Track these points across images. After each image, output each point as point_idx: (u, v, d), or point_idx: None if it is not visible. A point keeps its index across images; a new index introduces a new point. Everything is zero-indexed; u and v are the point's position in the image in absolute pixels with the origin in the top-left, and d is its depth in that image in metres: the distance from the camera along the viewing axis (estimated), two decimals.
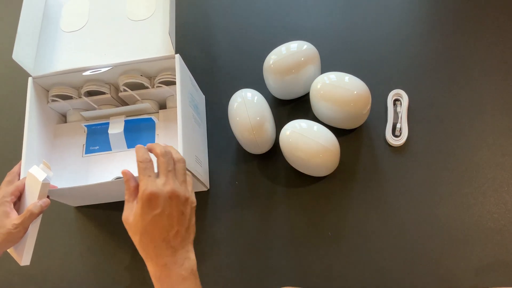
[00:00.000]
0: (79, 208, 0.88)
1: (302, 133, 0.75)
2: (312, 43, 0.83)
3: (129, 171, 0.54)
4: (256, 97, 0.80)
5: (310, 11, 0.99)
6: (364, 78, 0.79)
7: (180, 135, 0.71)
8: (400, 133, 0.82)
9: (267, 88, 0.88)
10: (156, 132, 0.83)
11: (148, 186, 0.50)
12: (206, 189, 0.85)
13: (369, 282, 0.73)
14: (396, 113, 0.84)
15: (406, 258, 0.74)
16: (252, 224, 0.81)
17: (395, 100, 0.85)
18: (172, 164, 0.54)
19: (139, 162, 0.52)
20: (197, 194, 0.84)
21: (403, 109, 0.83)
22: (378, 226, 0.77)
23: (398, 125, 0.82)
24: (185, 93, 0.78)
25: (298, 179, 0.82)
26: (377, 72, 0.89)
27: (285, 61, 0.81)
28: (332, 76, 0.79)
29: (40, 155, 0.78)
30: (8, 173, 0.69)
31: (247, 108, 0.78)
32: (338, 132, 0.80)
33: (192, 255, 0.53)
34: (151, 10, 0.82)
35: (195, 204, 0.55)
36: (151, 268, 0.51)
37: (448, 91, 0.85)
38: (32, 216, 0.63)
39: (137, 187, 0.52)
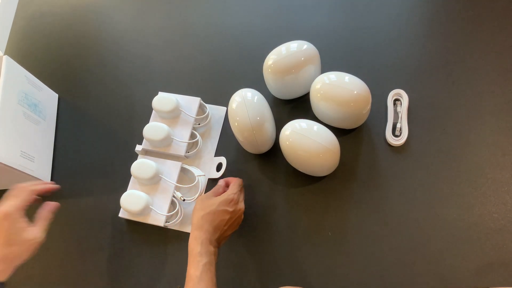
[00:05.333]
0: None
1: (302, 133, 0.75)
2: (312, 43, 0.83)
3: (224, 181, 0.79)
4: (256, 97, 0.80)
5: (310, 11, 0.99)
6: (364, 78, 0.79)
7: None
8: (400, 133, 0.82)
9: (267, 88, 0.88)
10: None
11: (236, 194, 0.74)
12: None
13: (369, 282, 0.73)
14: (396, 113, 0.84)
15: (406, 258, 0.74)
16: (252, 224, 0.81)
17: (395, 100, 0.85)
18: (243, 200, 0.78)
19: (237, 180, 0.78)
20: None
21: (403, 109, 0.83)
22: (378, 225, 0.77)
23: (398, 125, 0.82)
24: (10, 91, 0.84)
25: (298, 179, 0.82)
26: (377, 72, 0.89)
27: (285, 61, 0.81)
28: (332, 76, 0.79)
29: None
30: (14, 187, 0.67)
31: (247, 108, 0.78)
32: (338, 132, 0.80)
33: (217, 251, 0.69)
34: None
35: (235, 230, 0.75)
36: (199, 235, 0.67)
37: (448, 91, 0.85)
38: (48, 219, 0.69)
39: (221, 192, 0.75)
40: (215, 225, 0.69)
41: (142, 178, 0.82)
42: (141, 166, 0.82)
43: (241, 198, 0.76)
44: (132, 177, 0.86)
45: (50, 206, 0.70)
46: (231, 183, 0.77)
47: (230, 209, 0.71)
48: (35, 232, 0.65)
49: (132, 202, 0.79)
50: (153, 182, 0.83)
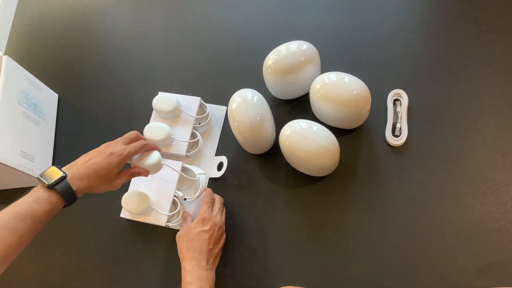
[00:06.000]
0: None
1: (302, 133, 0.75)
2: (312, 43, 0.83)
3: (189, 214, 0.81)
4: (256, 97, 0.80)
5: (310, 11, 0.99)
6: (364, 78, 0.79)
7: None
8: (400, 133, 0.82)
9: (267, 88, 0.88)
10: None
11: (206, 211, 0.75)
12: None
13: (369, 282, 0.73)
14: (396, 113, 0.84)
15: (406, 258, 0.74)
16: (252, 224, 0.81)
17: (395, 100, 0.85)
18: (222, 208, 0.79)
19: (206, 196, 0.79)
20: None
21: (403, 109, 0.83)
22: (378, 225, 0.77)
23: (398, 125, 0.82)
24: (10, 91, 0.84)
25: (298, 179, 0.82)
26: (377, 72, 0.89)
27: (285, 61, 0.81)
28: (332, 76, 0.79)
29: None
30: (131, 133, 0.74)
31: (247, 108, 0.78)
32: (338, 132, 0.80)
33: (213, 273, 0.70)
34: None
35: (224, 243, 0.76)
36: (186, 265, 0.68)
37: (448, 91, 0.85)
38: (131, 177, 0.74)
39: (191, 220, 0.78)
40: (198, 249, 0.70)
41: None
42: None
43: (215, 211, 0.76)
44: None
45: (141, 173, 0.75)
46: (202, 203, 0.78)
47: (206, 228, 0.72)
48: (118, 180, 0.71)
49: (134, 202, 0.79)
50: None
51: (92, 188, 0.67)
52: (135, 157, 0.74)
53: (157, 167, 0.76)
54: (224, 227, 0.76)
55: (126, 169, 0.73)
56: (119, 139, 0.72)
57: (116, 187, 0.71)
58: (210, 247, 0.71)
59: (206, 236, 0.71)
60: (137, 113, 0.96)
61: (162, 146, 0.86)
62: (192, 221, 0.76)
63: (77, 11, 1.13)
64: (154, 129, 0.85)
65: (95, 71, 1.03)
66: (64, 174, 0.63)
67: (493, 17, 0.90)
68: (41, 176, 0.62)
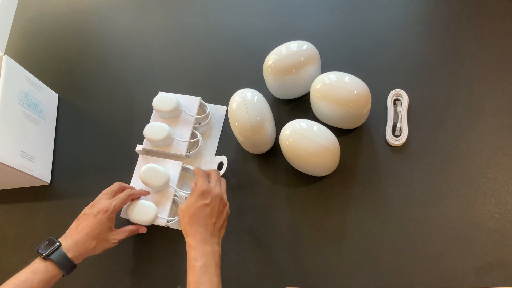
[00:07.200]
0: None
1: (302, 133, 0.75)
2: (312, 43, 0.83)
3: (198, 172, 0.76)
4: (256, 97, 0.80)
5: (310, 11, 0.99)
6: (364, 78, 0.79)
7: None
8: (400, 133, 0.82)
9: (267, 88, 0.88)
10: None
11: (203, 184, 0.72)
12: (46, 184, 0.92)
13: (369, 282, 0.73)
14: (396, 113, 0.84)
15: (406, 258, 0.74)
16: (252, 224, 0.81)
17: (395, 100, 0.85)
18: (219, 179, 0.76)
19: (197, 170, 0.76)
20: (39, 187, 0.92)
21: (403, 109, 0.83)
22: (378, 226, 0.77)
23: (398, 125, 0.82)
24: (10, 91, 0.85)
25: (298, 179, 0.82)
26: (377, 72, 0.89)
27: (285, 61, 0.81)
28: (332, 76, 0.79)
29: None
30: (115, 185, 0.78)
31: (247, 108, 0.78)
32: (338, 132, 0.80)
33: (219, 246, 0.68)
34: None
35: (229, 213, 0.74)
36: (190, 241, 0.66)
37: (448, 91, 0.85)
38: (130, 234, 0.78)
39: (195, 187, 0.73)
40: (202, 224, 0.68)
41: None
42: (150, 171, 0.82)
43: (213, 183, 0.74)
44: (133, 176, 0.86)
45: (139, 229, 0.79)
46: (196, 178, 0.75)
47: (207, 201, 0.70)
48: (115, 237, 0.74)
49: (134, 201, 0.79)
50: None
51: (89, 251, 0.70)
52: (130, 211, 0.79)
53: (154, 220, 0.80)
54: (225, 198, 0.74)
55: (124, 227, 0.77)
56: (101, 195, 0.76)
57: (114, 243, 0.74)
58: (213, 220, 0.69)
59: (208, 209, 0.69)
60: (137, 113, 0.96)
61: (162, 146, 0.86)
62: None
63: (77, 11, 1.13)
64: (154, 129, 0.85)
65: (95, 71, 1.03)
66: (59, 243, 0.68)
67: (493, 17, 0.90)
68: (39, 247, 0.67)
